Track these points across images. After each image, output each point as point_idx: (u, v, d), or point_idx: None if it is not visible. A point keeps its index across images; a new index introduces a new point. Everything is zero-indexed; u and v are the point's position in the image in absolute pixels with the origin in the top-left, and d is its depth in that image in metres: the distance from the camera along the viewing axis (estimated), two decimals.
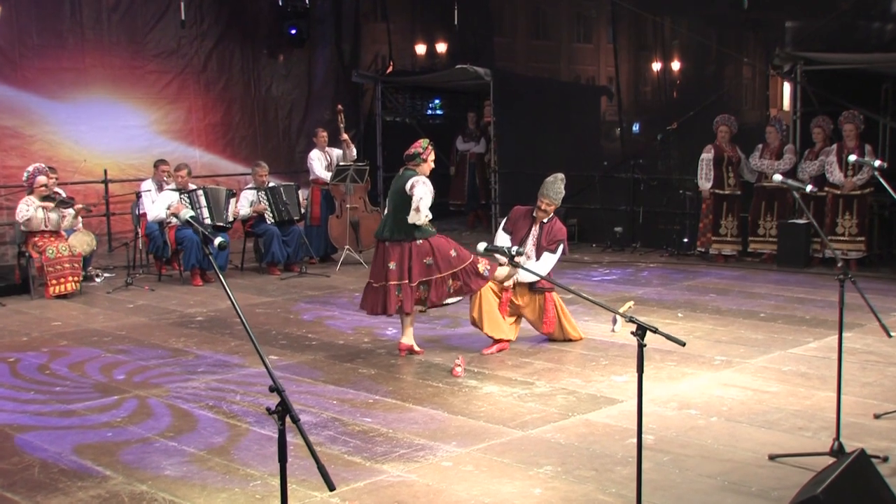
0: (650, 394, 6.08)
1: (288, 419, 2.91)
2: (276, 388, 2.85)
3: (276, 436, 3.02)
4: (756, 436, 5.28)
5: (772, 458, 4.87)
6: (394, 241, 7.02)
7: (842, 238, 10.73)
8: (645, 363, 6.58)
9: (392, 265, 6.99)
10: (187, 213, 3.35)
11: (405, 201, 6.92)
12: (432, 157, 7.14)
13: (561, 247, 7.40)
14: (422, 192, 6.85)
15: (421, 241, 7.00)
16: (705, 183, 11.47)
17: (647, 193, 12.66)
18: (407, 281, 6.99)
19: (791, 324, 8.06)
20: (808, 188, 5.05)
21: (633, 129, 14.02)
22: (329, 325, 8.36)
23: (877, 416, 5.52)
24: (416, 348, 7.20)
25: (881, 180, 5.57)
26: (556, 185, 7.33)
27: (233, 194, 11.01)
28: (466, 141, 15.08)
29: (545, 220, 7.44)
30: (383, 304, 7.05)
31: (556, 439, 5.27)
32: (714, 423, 5.53)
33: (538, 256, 7.36)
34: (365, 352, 7.39)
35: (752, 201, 11.45)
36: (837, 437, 4.79)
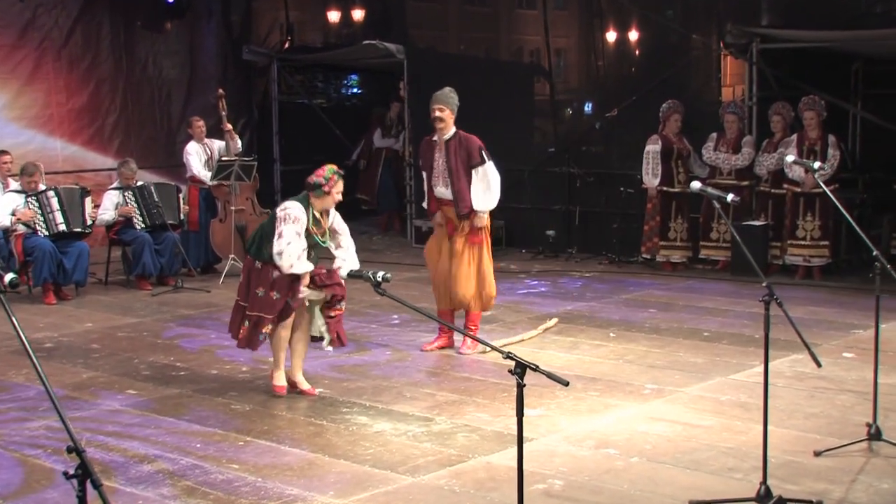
0: (565, 430, 6.19)
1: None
2: (74, 448, 2.86)
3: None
4: (679, 479, 5.40)
5: None
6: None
7: (803, 242, 10.96)
8: (565, 393, 6.82)
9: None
10: None
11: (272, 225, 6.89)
12: (339, 188, 6.83)
13: (484, 154, 7.74)
14: (285, 238, 6.67)
15: (260, 264, 6.94)
16: (652, 179, 11.59)
17: (584, 191, 12.78)
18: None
19: (737, 344, 8.25)
20: (730, 198, 5.16)
21: (585, 109, 14.17)
22: (202, 352, 8.33)
23: (817, 454, 5.68)
24: (304, 387, 7.11)
25: (822, 185, 5.73)
26: (446, 92, 7.62)
27: (87, 193, 10.91)
28: (386, 136, 15.05)
29: (448, 137, 7.69)
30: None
31: (449, 486, 5.34)
32: (634, 464, 5.65)
33: (459, 183, 7.62)
34: (241, 384, 7.39)
35: (703, 201, 11.60)
36: (764, 481, 4.93)
